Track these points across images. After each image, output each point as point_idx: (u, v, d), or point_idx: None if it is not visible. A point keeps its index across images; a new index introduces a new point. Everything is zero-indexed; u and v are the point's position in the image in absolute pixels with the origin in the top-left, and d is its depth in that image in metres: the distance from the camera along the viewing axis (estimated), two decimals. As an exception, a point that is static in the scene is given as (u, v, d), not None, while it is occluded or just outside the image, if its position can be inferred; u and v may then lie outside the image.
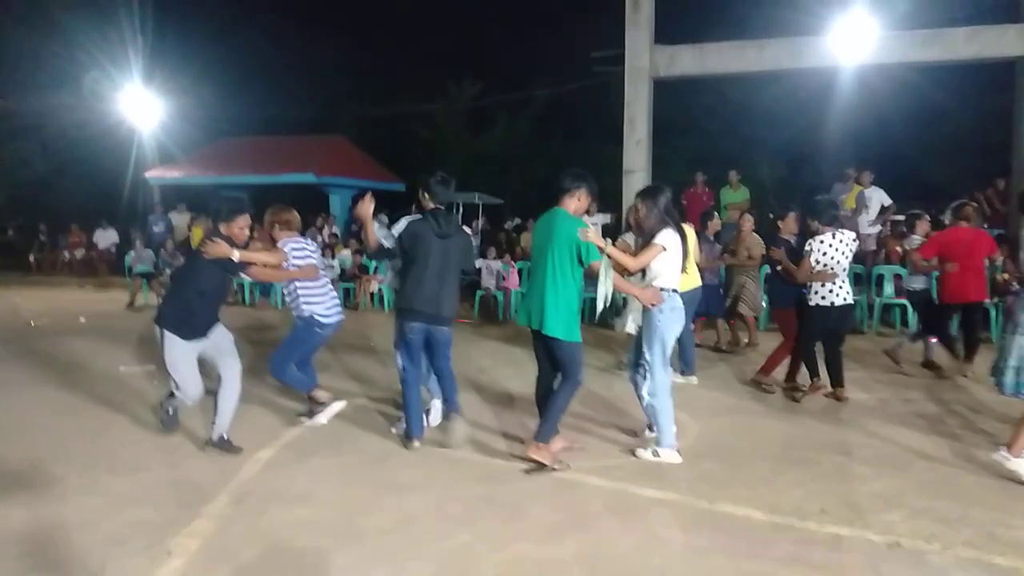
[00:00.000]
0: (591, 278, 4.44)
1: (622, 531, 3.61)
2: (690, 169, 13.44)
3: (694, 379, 6.77)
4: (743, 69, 11.56)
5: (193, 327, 4.61)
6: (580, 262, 4.36)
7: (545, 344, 4.52)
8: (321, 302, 5.24)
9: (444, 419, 5.06)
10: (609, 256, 4.39)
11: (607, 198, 11.23)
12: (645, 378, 4.70)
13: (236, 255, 4.50)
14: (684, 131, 15.53)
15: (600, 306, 4.37)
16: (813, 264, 5.92)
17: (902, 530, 3.62)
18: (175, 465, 4.56)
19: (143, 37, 17.29)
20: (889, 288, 9.84)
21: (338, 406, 5.39)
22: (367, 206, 4.90)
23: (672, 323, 4.64)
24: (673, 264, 4.63)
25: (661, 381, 4.65)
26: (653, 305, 4.57)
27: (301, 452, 4.80)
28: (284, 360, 5.27)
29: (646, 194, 4.79)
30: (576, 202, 4.51)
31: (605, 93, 21.34)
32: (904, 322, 9.59)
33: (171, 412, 5.07)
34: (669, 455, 4.60)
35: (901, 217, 11.52)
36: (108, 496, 4.05)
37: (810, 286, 6.00)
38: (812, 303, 6.00)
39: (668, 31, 11.76)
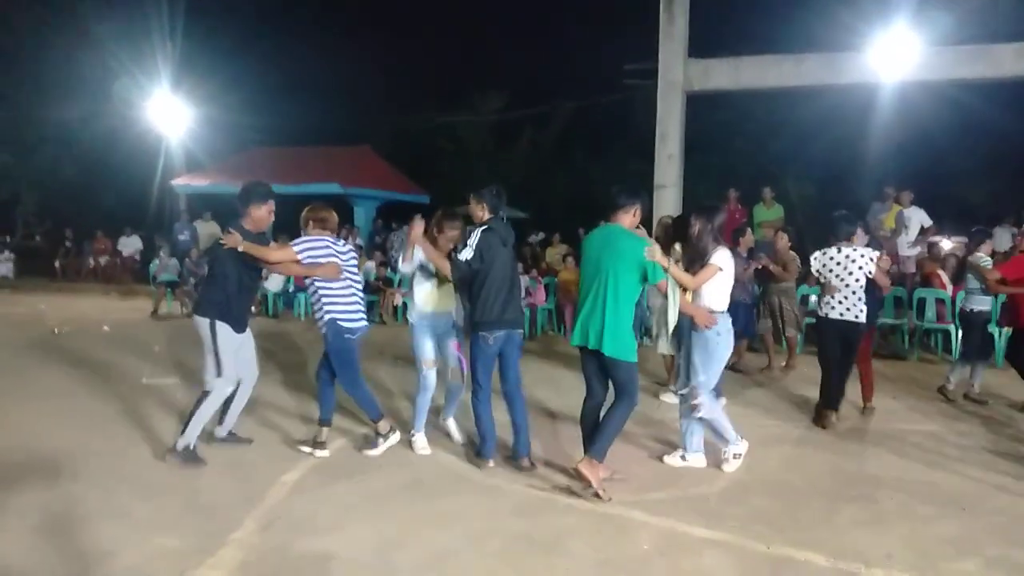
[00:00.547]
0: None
1: (675, 576, 3.37)
2: (719, 186, 13.17)
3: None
4: (780, 84, 11.30)
5: (237, 320, 4.76)
6: (645, 281, 4.29)
7: (601, 364, 4.36)
8: (343, 306, 4.90)
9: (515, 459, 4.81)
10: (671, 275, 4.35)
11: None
12: (685, 402, 4.78)
13: (241, 246, 4.56)
14: (707, 147, 15.24)
15: (671, 325, 4.43)
16: (815, 274, 5.95)
17: (979, 582, 3.35)
18: (199, 488, 4.38)
19: (172, 44, 17.34)
20: (931, 312, 9.49)
21: (394, 439, 5.02)
22: (418, 230, 4.79)
23: (728, 345, 4.65)
24: (726, 285, 4.50)
25: (713, 401, 4.72)
26: (707, 327, 4.46)
27: (328, 476, 4.59)
28: (353, 377, 4.99)
29: (702, 212, 4.64)
30: (631, 218, 4.39)
31: (630, 107, 21.27)
32: (947, 348, 9.24)
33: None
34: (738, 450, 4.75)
35: (939, 239, 11.22)
36: (130, 521, 3.87)
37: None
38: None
39: (701, 46, 11.56)
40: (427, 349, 5.04)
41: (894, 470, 4.90)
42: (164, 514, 3.96)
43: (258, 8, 22.73)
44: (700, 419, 4.72)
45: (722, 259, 4.52)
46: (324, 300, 4.89)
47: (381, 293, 12.30)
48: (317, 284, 4.87)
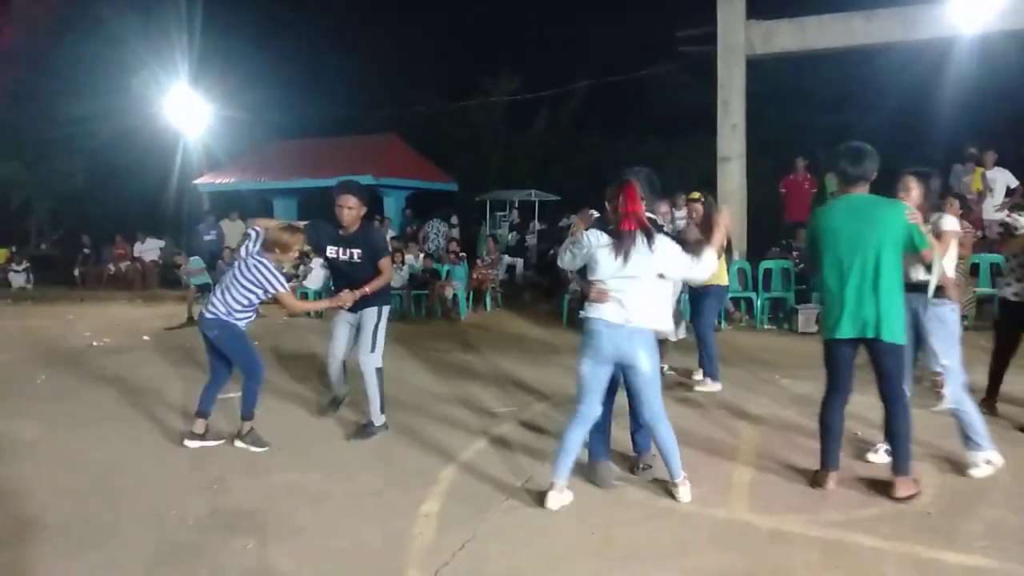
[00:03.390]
0: None
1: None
2: (781, 155, 12.46)
3: (718, 386, 6.17)
4: (849, 43, 10.61)
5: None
6: (912, 249, 3.76)
7: (876, 353, 3.77)
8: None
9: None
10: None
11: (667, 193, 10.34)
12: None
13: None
14: (768, 115, 14.53)
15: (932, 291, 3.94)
16: None
17: None
18: (334, 525, 3.74)
19: (189, 38, 16.56)
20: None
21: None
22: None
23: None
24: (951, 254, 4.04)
25: (959, 386, 4.10)
26: (955, 300, 4.03)
27: (468, 504, 3.94)
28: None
29: (920, 175, 4.02)
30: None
31: (645, 84, 20.49)
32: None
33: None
34: (991, 456, 4.08)
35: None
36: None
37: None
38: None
39: (761, 8, 10.83)
40: None
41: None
42: (301, 560, 3.33)
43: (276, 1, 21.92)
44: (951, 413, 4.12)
45: (953, 223, 4.10)
46: None
47: (431, 286, 11.62)
48: None
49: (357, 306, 5.16)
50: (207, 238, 14.50)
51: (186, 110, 16.19)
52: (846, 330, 3.76)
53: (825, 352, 3.96)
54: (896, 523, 3.57)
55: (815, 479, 4.02)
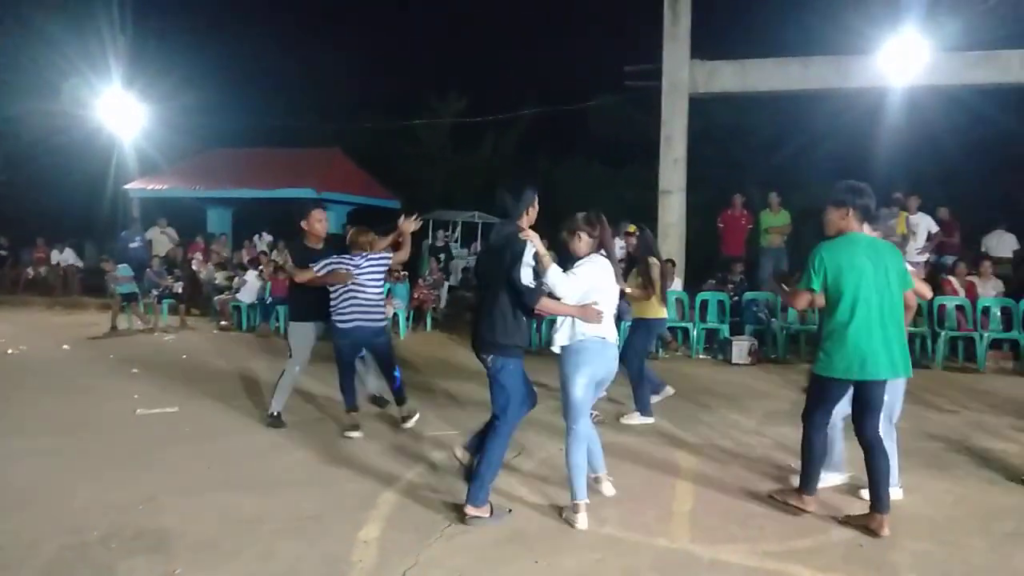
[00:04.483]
0: None
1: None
2: (718, 191, 12.87)
3: (651, 420, 6.14)
4: (787, 87, 11.07)
5: None
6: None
7: (881, 390, 3.90)
8: (335, 308, 5.57)
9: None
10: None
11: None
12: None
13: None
14: (710, 152, 15.00)
15: None
16: None
17: None
18: (270, 549, 3.60)
19: (123, 38, 15.97)
20: (952, 321, 9.32)
21: (356, 435, 5.53)
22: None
23: None
24: None
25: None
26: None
27: (409, 529, 3.87)
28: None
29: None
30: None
31: (590, 113, 20.90)
32: (970, 357, 9.06)
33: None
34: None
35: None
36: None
37: None
38: None
39: (705, 49, 11.22)
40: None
41: (1022, 498, 4.49)
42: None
43: (219, 4, 21.42)
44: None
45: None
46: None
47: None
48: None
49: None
50: (132, 245, 13.91)
51: (119, 113, 15.58)
52: (884, 371, 3.81)
53: (831, 389, 3.95)
54: (831, 555, 3.67)
55: (796, 504, 4.08)
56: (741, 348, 9.13)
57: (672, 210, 11.04)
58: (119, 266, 11.97)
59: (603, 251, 4.03)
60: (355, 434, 5.52)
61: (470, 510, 3.90)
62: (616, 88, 13.66)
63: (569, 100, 18.71)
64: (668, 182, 11.13)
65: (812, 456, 4.07)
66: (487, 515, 3.92)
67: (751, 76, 11.04)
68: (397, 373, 5.79)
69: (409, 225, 5.73)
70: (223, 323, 11.96)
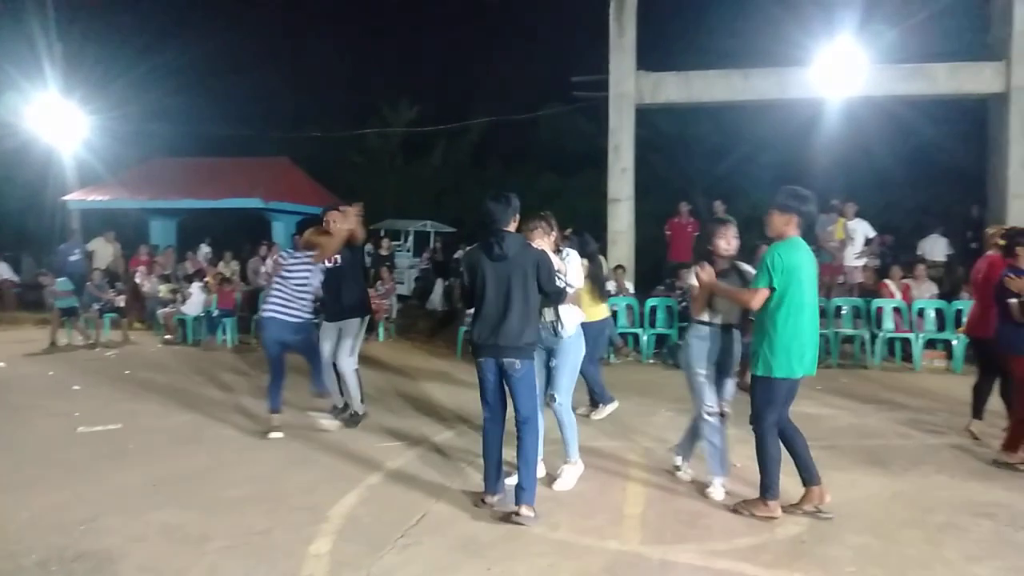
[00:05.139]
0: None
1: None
2: (665, 199, 13.14)
3: (616, 403, 6.60)
4: (729, 98, 11.37)
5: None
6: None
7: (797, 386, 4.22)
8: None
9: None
10: None
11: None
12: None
13: None
14: (656, 162, 15.32)
15: None
16: None
17: None
18: (217, 568, 3.53)
19: (60, 46, 15.46)
20: (890, 322, 9.68)
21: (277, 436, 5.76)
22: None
23: None
24: None
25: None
26: None
27: (360, 542, 3.84)
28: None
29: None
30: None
31: (541, 124, 21.08)
32: (907, 357, 9.40)
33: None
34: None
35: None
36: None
37: None
38: None
39: (651, 60, 11.46)
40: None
41: (958, 492, 4.68)
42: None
43: (165, 12, 20.92)
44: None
45: None
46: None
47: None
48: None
49: (338, 316, 6.03)
50: (71, 258, 13.48)
51: (57, 122, 15.09)
52: (813, 367, 4.12)
53: (780, 389, 4.06)
54: (775, 551, 3.78)
55: (763, 514, 4.13)
56: (689, 353, 9.29)
57: (621, 218, 11.21)
58: (58, 280, 11.61)
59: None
60: (275, 435, 5.79)
61: (526, 511, 4.02)
62: (566, 98, 13.86)
63: (520, 110, 18.85)
64: (616, 191, 11.30)
65: (768, 460, 4.14)
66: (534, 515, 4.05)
67: (695, 87, 11.30)
68: (320, 367, 6.08)
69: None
70: (167, 337, 11.67)
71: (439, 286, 14.18)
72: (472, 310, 4.29)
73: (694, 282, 4.47)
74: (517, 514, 4.01)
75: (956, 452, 5.51)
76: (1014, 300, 4.99)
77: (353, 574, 3.47)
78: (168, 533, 3.94)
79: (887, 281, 10.25)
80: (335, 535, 3.94)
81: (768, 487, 4.14)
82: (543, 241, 4.45)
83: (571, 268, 4.59)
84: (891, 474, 5.00)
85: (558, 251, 4.67)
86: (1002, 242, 5.38)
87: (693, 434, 4.75)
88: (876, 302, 9.84)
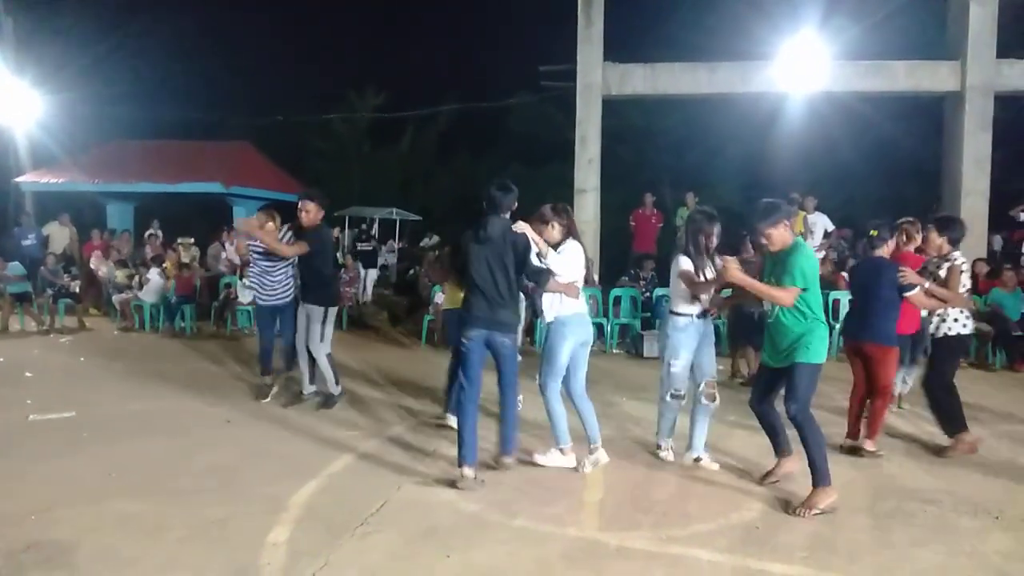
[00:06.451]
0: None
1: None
2: (630, 190, 13.23)
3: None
4: (694, 91, 11.47)
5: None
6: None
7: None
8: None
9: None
10: None
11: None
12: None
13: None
14: (623, 153, 15.40)
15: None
16: (968, 284, 5.39)
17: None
18: (173, 558, 3.49)
19: (10, 20, 14.93)
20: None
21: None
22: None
23: None
24: None
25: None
26: None
27: (319, 531, 3.83)
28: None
29: None
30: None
31: (509, 111, 21.05)
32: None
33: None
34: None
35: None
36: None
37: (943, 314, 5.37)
38: (952, 333, 5.36)
39: (618, 52, 11.50)
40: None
41: (903, 479, 4.83)
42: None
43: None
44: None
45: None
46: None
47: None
48: None
49: (304, 300, 6.26)
50: (25, 243, 13.13)
51: (8, 101, 14.59)
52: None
53: (818, 373, 4.30)
54: (729, 537, 3.86)
55: (826, 506, 4.15)
56: (651, 343, 9.41)
57: (587, 209, 11.26)
58: (10, 264, 11.28)
59: (571, 237, 4.74)
60: (265, 401, 6.41)
61: (509, 460, 4.71)
62: (535, 87, 13.86)
63: (489, 98, 18.78)
64: (583, 181, 11.34)
65: (816, 445, 4.21)
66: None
67: (661, 79, 11.37)
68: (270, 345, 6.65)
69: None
70: (124, 324, 11.44)
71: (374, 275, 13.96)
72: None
73: (686, 267, 4.70)
74: (503, 463, 4.65)
75: (906, 442, 5.67)
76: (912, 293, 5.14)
77: (311, 562, 3.46)
78: (123, 523, 3.89)
79: (844, 274, 10.46)
80: (294, 524, 3.92)
81: (821, 476, 4.18)
82: (555, 232, 4.69)
83: (562, 258, 4.63)
84: (847, 462, 5.11)
85: (563, 241, 4.75)
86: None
87: (666, 415, 4.99)
88: (833, 294, 10.04)
